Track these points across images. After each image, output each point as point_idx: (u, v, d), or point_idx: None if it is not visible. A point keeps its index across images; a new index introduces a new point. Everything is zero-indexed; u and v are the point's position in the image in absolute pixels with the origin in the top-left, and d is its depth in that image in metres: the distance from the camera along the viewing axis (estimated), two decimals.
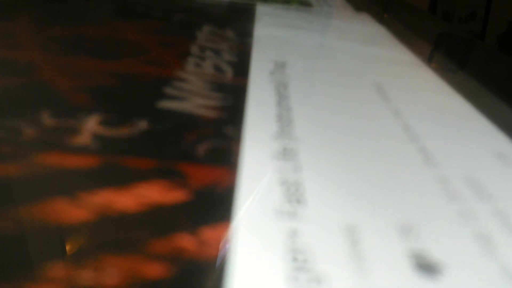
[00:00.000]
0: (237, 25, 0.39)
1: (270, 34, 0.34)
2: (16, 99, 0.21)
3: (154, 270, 0.12)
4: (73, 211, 0.13)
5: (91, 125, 0.18)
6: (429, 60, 0.33)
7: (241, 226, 0.13)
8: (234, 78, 0.25)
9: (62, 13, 0.37)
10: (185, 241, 0.13)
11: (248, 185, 0.15)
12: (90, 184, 0.15)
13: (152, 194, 0.14)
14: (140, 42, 0.31)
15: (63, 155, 0.16)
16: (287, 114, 0.20)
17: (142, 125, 0.19)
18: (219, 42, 0.32)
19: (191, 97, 0.22)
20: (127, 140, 0.18)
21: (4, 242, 0.12)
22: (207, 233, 0.13)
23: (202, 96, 0.22)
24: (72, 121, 0.19)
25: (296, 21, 0.41)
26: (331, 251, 0.12)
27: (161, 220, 0.14)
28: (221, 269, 0.11)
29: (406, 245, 0.13)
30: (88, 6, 0.40)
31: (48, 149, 0.17)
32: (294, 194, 0.14)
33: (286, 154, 0.17)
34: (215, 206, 0.14)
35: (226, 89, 0.24)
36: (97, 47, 0.29)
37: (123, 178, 0.15)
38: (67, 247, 0.12)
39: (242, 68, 0.26)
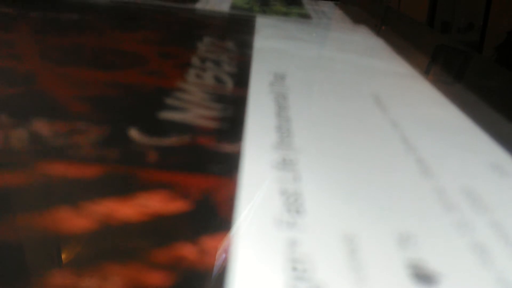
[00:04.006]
0: (237, 36, 0.39)
1: (269, 46, 0.35)
2: (17, 108, 0.21)
3: (155, 278, 0.12)
4: (76, 220, 0.13)
5: (92, 135, 0.19)
6: (426, 72, 0.33)
7: (241, 235, 0.13)
8: (234, 89, 0.26)
9: (62, 23, 0.37)
10: (186, 250, 0.13)
11: (248, 195, 0.15)
12: (93, 193, 0.15)
13: (153, 203, 0.15)
14: (141, 53, 0.31)
15: (65, 165, 0.16)
16: (287, 124, 0.20)
17: (143, 135, 0.19)
18: (220, 53, 0.32)
19: (192, 107, 0.22)
20: (128, 150, 0.18)
21: (6, 251, 0.12)
22: (208, 242, 0.13)
23: (203, 106, 0.23)
24: (73, 131, 0.19)
25: (295, 33, 0.41)
26: (330, 260, 0.12)
27: (162, 230, 0.14)
28: (221, 278, 0.12)
29: (404, 255, 0.13)
30: (88, 16, 0.40)
31: (50, 158, 0.17)
32: (293, 204, 0.15)
33: (286, 164, 0.17)
34: (216, 215, 0.15)
35: (227, 100, 0.24)
36: (97, 57, 0.30)
37: (125, 188, 0.15)
38: (70, 256, 0.13)
39: (242, 79, 0.26)
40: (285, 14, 0.49)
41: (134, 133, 0.19)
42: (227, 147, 0.19)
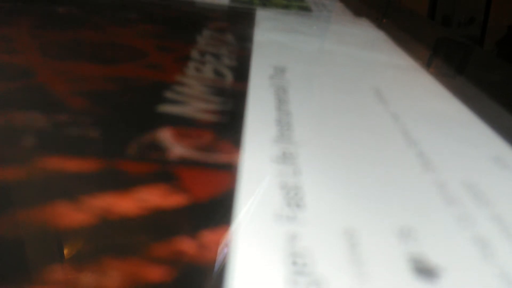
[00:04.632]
0: (237, 29, 0.39)
1: (269, 39, 0.34)
2: (16, 103, 0.21)
3: (155, 273, 0.12)
4: (74, 214, 0.13)
5: (91, 128, 0.18)
6: (427, 65, 0.33)
7: (241, 229, 0.13)
8: (234, 83, 0.26)
9: (61, 17, 0.37)
10: (185, 245, 0.13)
11: (248, 189, 0.15)
12: (91, 187, 0.15)
13: (152, 198, 0.14)
14: (140, 47, 0.31)
15: (64, 159, 0.16)
16: (287, 118, 0.20)
17: (143, 128, 0.19)
18: (219, 47, 0.32)
19: (191, 101, 0.22)
20: (127, 144, 0.18)
21: (4, 246, 0.12)
22: (207, 236, 0.13)
23: (202, 100, 0.23)
24: (71, 125, 0.19)
25: (295, 25, 0.41)
26: (330, 254, 0.12)
27: (161, 224, 0.14)
28: (221, 272, 0.12)
29: (405, 249, 0.13)
30: (87, 10, 0.40)
31: (48, 152, 0.17)
32: (293, 198, 0.15)
33: (286, 158, 0.17)
34: (215, 209, 0.14)
35: (226, 94, 0.24)
36: (96, 51, 0.29)
37: (124, 182, 0.15)
38: (68, 251, 0.13)
39: (242, 72, 0.26)
40: (286, 7, 0.49)
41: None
42: (226, 140, 0.19)
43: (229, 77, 0.26)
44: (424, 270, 0.12)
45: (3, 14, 0.36)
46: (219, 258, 0.12)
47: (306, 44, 0.35)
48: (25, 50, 0.29)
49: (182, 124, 0.20)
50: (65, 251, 0.13)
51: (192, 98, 0.23)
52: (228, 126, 0.20)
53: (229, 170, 0.16)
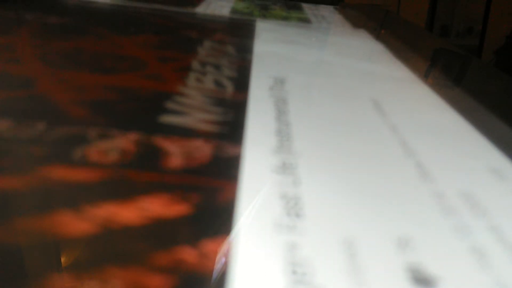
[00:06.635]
0: (237, 40, 0.39)
1: (269, 50, 0.35)
2: (17, 112, 0.21)
3: (156, 282, 0.12)
4: (77, 223, 0.13)
5: (93, 139, 0.19)
6: (425, 76, 0.34)
7: (241, 239, 0.13)
8: (234, 94, 0.26)
9: (62, 27, 0.37)
10: (187, 254, 0.13)
11: (248, 199, 0.15)
12: (94, 197, 0.15)
13: (154, 207, 0.15)
14: (141, 57, 0.31)
15: (66, 169, 0.16)
16: (286, 129, 0.21)
17: (144, 139, 0.19)
18: (220, 58, 0.32)
19: (192, 111, 0.23)
20: (129, 154, 0.18)
21: (7, 254, 0.12)
22: (208, 246, 0.13)
23: (203, 110, 0.23)
24: (73, 134, 0.19)
25: (295, 37, 0.41)
26: (330, 264, 0.12)
27: (163, 233, 0.14)
28: (222, 281, 0.12)
29: (403, 259, 0.13)
30: (88, 20, 0.40)
31: (51, 162, 0.17)
32: (293, 208, 0.15)
33: (286, 168, 0.17)
34: (216, 219, 0.15)
35: (227, 104, 0.24)
36: (97, 61, 0.30)
37: (126, 192, 0.15)
38: (71, 259, 0.13)
39: (242, 83, 0.27)
40: (285, 18, 0.50)
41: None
42: (227, 151, 0.19)
43: (229, 88, 0.26)
44: (422, 279, 0.12)
45: (4, 23, 0.36)
46: (219, 267, 0.12)
47: (305, 56, 0.35)
48: (26, 59, 0.29)
49: (183, 135, 0.20)
50: (68, 260, 0.13)
51: (193, 109, 0.23)
52: (229, 136, 0.20)
53: (230, 180, 0.16)
